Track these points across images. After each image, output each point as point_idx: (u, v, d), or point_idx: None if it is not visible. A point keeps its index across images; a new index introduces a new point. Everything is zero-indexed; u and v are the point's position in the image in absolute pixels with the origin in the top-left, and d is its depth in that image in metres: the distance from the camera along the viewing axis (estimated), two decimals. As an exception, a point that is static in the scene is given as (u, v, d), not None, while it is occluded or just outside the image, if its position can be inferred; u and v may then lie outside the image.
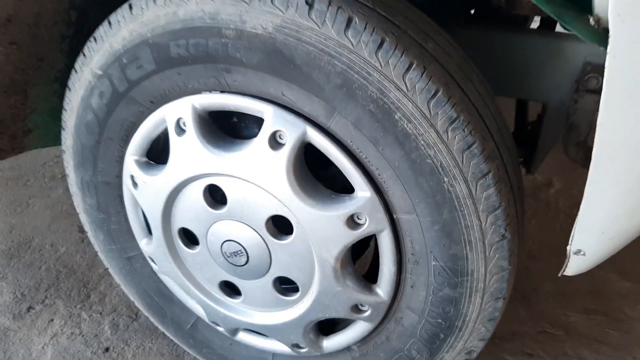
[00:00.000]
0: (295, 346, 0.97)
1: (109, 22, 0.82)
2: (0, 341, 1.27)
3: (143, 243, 1.00)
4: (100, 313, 1.34)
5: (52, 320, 1.32)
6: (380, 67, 0.68)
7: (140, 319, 1.32)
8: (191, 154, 0.82)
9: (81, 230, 1.59)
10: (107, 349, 1.25)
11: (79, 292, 1.40)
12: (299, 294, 0.89)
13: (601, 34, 0.63)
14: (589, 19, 0.65)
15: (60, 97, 0.99)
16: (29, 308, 1.36)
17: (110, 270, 1.12)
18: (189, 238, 0.94)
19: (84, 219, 1.05)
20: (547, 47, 0.93)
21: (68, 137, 0.95)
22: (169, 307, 1.09)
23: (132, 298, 1.14)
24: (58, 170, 1.91)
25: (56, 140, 1.05)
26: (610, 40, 0.58)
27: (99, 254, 1.10)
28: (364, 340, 0.93)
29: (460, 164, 0.71)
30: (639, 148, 0.64)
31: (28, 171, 1.91)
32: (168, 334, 1.16)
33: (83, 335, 1.29)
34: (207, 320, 1.04)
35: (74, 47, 0.99)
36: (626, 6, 0.56)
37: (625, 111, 0.62)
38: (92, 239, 1.08)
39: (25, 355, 1.24)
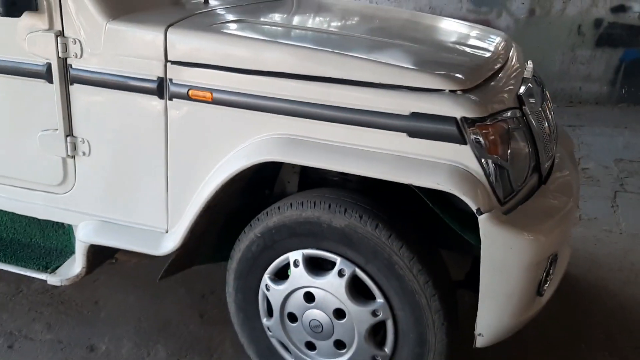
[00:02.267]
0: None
1: (266, 212, 1.78)
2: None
3: (264, 320, 1.90)
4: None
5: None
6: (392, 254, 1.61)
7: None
8: (300, 277, 1.74)
9: (201, 314, 2.48)
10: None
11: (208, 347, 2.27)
12: (347, 349, 1.77)
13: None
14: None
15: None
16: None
17: (240, 335, 2.01)
18: (291, 318, 1.83)
19: (231, 306, 1.96)
20: None
21: (234, 264, 1.89)
22: (272, 357, 1.97)
23: (249, 352, 2.02)
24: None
25: (222, 259, 1.99)
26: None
27: (235, 325, 2.00)
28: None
29: (424, 293, 1.61)
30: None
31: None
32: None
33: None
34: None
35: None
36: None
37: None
38: (233, 318, 1.98)
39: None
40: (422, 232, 1.74)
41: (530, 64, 2.26)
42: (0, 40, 1.87)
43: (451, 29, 2.41)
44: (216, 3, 2.13)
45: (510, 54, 2.13)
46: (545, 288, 1.72)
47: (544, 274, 1.67)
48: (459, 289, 1.85)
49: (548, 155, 1.90)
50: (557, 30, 5.64)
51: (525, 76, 2.01)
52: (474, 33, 2.38)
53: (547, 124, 1.96)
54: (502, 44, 2.16)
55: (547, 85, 2.31)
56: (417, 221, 1.77)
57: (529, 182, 1.76)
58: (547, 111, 2.06)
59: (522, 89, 1.85)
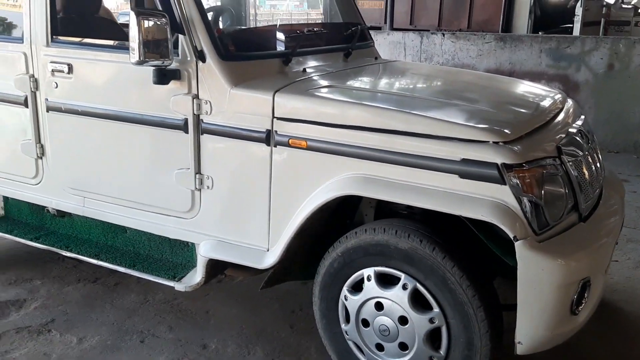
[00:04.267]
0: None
1: (346, 236, 2.24)
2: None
3: (343, 325, 2.33)
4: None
5: (282, 367, 2.66)
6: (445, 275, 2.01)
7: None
8: (371, 289, 2.17)
9: (291, 325, 2.94)
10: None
11: (296, 352, 2.72)
12: (409, 350, 2.16)
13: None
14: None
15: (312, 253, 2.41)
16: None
17: (322, 338, 2.44)
18: (364, 323, 2.25)
19: (316, 313, 2.41)
20: None
21: (319, 278, 2.35)
22: (349, 358, 2.39)
23: (330, 353, 2.45)
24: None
25: (309, 277, 2.45)
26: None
27: (319, 330, 2.44)
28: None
29: (471, 304, 1.99)
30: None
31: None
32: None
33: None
34: (367, 366, 2.32)
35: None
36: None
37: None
38: (318, 323, 2.43)
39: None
40: (472, 255, 2.12)
41: (582, 117, 2.61)
42: (152, 101, 2.49)
43: (509, 88, 2.82)
44: (312, 71, 2.67)
45: (561, 109, 2.49)
46: (580, 309, 2.03)
47: (576, 296, 1.99)
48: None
49: (588, 197, 2.23)
50: (637, 83, 5.79)
51: (571, 129, 2.37)
52: (529, 91, 2.77)
53: (590, 171, 2.30)
54: (552, 101, 2.54)
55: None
56: (468, 247, 2.16)
57: (566, 219, 2.11)
58: (593, 159, 2.40)
59: (564, 140, 2.22)
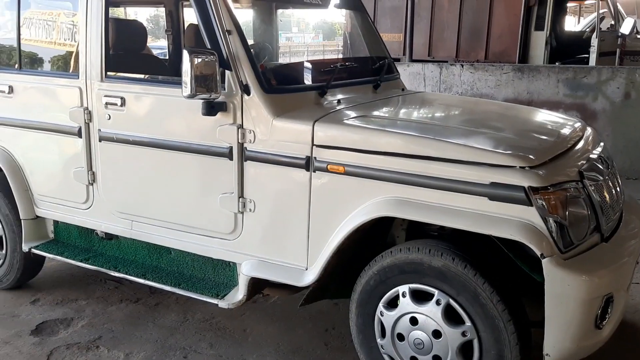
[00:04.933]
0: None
1: (382, 255, 2.40)
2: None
3: (379, 339, 2.47)
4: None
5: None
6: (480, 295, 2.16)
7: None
8: (407, 305, 2.32)
9: (325, 343, 3.08)
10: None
11: (328, 372, 2.85)
12: (442, 362, 2.30)
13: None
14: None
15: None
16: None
17: (359, 352, 2.58)
18: (399, 337, 2.39)
19: (353, 329, 2.55)
20: None
21: (356, 295, 2.50)
22: (383, 371, 2.53)
23: (364, 367, 2.59)
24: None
25: (345, 295, 2.60)
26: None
27: (355, 345, 2.58)
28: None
29: (502, 318, 2.13)
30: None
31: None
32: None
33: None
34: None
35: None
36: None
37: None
38: (354, 339, 2.57)
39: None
40: (501, 272, 2.26)
41: (602, 145, 2.76)
42: (198, 131, 2.69)
43: (531, 116, 2.99)
44: (346, 102, 2.86)
45: (581, 137, 2.65)
46: (603, 324, 2.16)
47: (600, 311, 2.12)
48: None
49: (609, 219, 2.37)
50: (654, 111, 5.92)
51: (591, 155, 2.52)
52: (550, 120, 2.94)
53: (610, 195, 2.45)
54: (572, 129, 2.71)
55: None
56: (497, 265, 2.30)
57: (589, 239, 2.25)
58: (613, 184, 2.55)
59: (585, 166, 2.37)
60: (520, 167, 2.13)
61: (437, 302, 2.27)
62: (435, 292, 2.27)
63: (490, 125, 2.72)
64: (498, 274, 2.24)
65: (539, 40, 8.64)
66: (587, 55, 8.30)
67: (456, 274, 2.21)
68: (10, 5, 3.25)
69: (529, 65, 7.82)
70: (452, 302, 2.24)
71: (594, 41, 8.04)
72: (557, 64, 7.96)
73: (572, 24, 13.14)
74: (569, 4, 10.43)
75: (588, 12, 12.74)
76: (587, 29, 9.60)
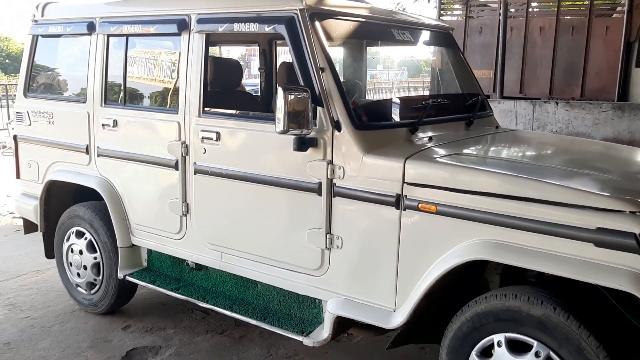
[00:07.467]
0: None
1: (475, 301, 2.28)
2: None
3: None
4: None
5: None
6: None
7: None
8: (502, 356, 2.17)
9: (411, 390, 2.96)
10: None
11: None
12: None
13: None
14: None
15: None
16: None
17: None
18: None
19: None
20: None
21: (447, 341, 2.38)
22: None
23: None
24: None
25: (433, 340, 2.49)
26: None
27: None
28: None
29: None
30: None
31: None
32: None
33: None
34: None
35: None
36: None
37: None
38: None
39: None
40: (608, 325, 2.08)
41: None
42: (289, 166, 2.71)
43: (636, 157, 2.79)
44: (438, 139, 2.80)
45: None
46: None
47: None
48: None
49: None
50: None
51: None
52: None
53: None
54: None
55: None
56: (603, 316, 2.12)
57: None
58: None
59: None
60: (631, 212, 1.97)
61: (537, 354, 2.11)
62: (535, 343, 2.12)
63: (593, 166, 2.56)
64: (605, 326, 2.06)
65: (640, 77, 8.17)
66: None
67: (558, 325, 2.05)
68: (119, 45, 3.47)
69: (630, 103, 7.39)
70: (552, 354, 2.08)
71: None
72: (661, 101, 7.47)
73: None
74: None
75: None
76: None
